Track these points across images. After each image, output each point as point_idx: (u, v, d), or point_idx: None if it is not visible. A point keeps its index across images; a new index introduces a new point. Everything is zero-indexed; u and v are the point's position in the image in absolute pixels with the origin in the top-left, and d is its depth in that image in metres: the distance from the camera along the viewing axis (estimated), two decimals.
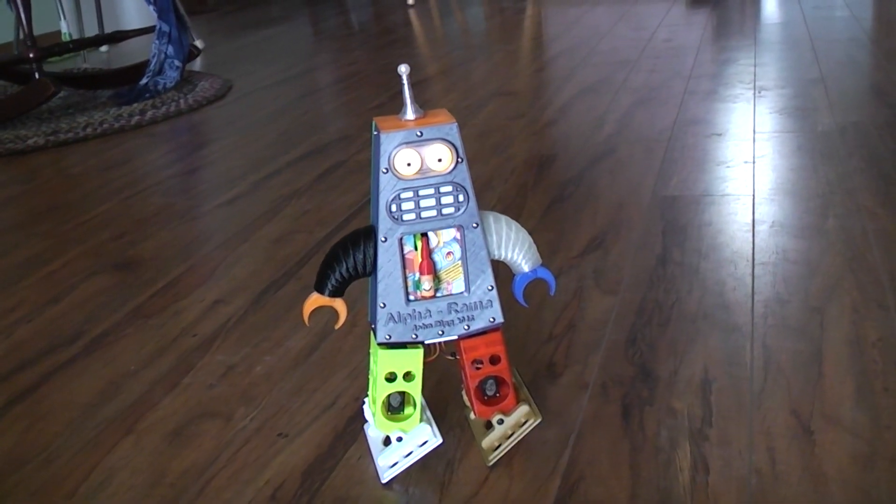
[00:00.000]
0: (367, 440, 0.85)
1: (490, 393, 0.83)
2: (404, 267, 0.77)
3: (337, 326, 0.82)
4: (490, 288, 0.79)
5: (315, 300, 0.80)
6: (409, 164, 0.75)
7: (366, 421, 0.86)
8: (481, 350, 0.81)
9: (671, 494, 0.74)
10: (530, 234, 0.83)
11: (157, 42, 2.69)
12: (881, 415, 0.83)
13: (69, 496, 0.82)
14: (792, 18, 3.03)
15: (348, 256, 0.77)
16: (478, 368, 0.81)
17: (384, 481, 0.79)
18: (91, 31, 3.62)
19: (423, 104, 2.28)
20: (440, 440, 0.80)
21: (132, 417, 0.94)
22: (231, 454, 0.86)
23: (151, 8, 2.67)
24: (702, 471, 0.77)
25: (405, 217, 0.76)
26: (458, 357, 0.82)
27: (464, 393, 0.86)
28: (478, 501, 0.76)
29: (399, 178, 0.75)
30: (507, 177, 1.60)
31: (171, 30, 2.66)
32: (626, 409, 0.87)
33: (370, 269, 0.78)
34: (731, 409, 0.85)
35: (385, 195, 0.75)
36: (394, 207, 0.76)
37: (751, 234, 1.25)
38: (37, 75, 2.54)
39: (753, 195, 1.40)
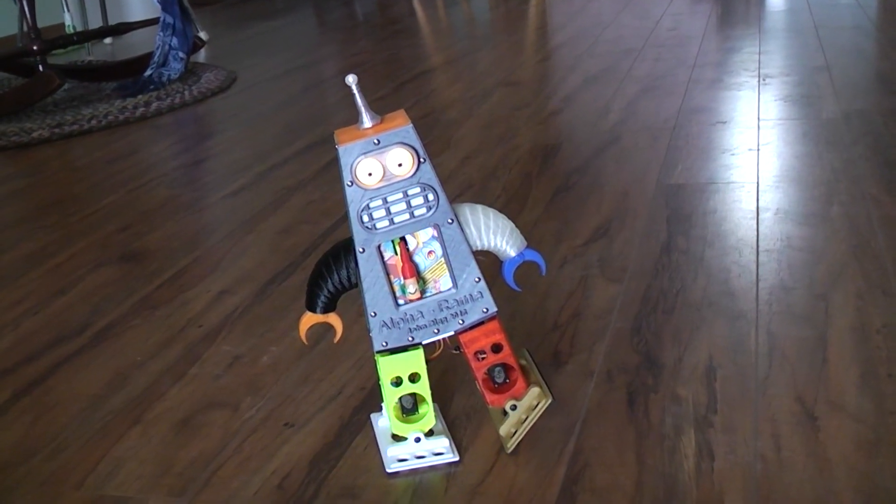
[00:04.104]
0: (373, 429, 0.85)
1: (499, 380, 0.83)
2: (388, 273, 0.78)
3: (335, 341, 0.82)
4: (477, 280, 0.79)
5: (308, 318, 0.81)
6: (370, 174, 0.75)
7: (377, 410, 0.86)
8: (482, 341, 0.81)
9: (676, 481, 0.75)
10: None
11: (161, 34, 2.69)
12: (886, 401, 0.83)
13: (77, 487, 0.82)
14: (796, 6, 3.02)
15: (332, 273, 0.78)
16: (482, 359, 0.81)
17: (389, 471, 0.80)
18: (95, 23, 3.62)
19: (427, 95, 2.29)
20: (457, 458, 0.80)
21: (139, 408, 0.94)
22: (238, 444, 0.86)
23: (155, 0, 2.66)
24: (707, 457, 0.77)
25: (378, 225, 0.76)
26: (462, 351, 0.82)
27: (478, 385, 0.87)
28: (484, 489, 0.76)
29: (365, 189, 0.75)
30: (512, 166, 1.60)
31: (175, 21, 2.66)
32: (632, 397, 0.87)
33: (355, 281, 0.78)
34: (735, 397, 0.85)
35: (354, 207, 0.76)
36: (365, 218, 0.76)
37: (755, 221, 1.25)
38: (41, 68, 2.54)
39: (758, 183, 1.40)
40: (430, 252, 0.78)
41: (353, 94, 0.76)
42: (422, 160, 0.76)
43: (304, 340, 0.82)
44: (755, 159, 1.51)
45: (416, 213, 0.77)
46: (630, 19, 3.08)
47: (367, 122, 0.76)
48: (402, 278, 0.78)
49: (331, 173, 1.67)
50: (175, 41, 2.69)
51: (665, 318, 1.02)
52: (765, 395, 0.85)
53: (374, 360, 0.82)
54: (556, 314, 1.05)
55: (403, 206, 0.76)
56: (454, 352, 0.83)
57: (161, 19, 2.68)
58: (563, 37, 2.89)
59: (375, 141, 0.75)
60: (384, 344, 0.79)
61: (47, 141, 2.16)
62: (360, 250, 0.77)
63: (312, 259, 1.28)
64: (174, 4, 2.66)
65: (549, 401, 0.82)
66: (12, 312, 1.21)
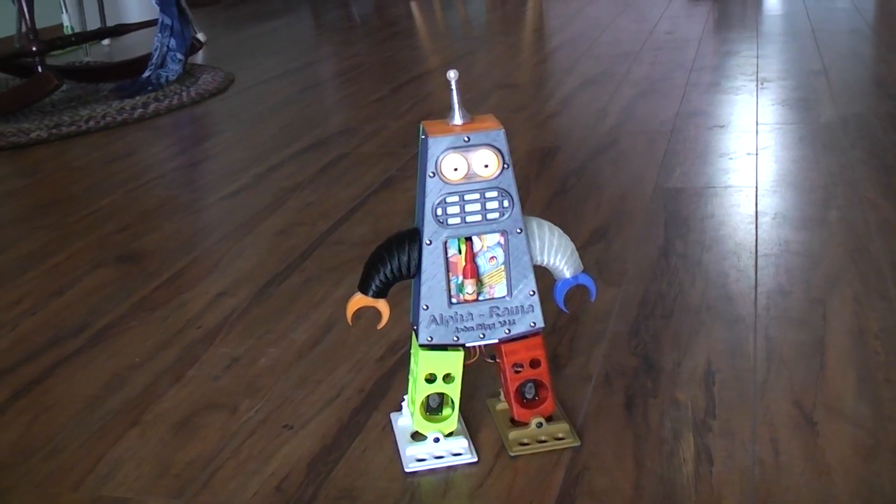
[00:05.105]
0: (393, 429, 0.85)
1: (529, 396, 0.83)
2: (448, 270, 0.78)
3: (379, 327, 0.83)
4: (532, 293, 0.79)
5: (359, 300, 0.80)
6: (455, 169, 0.76)
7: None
8: (522, 354, 0.81)
9: (675, 485, 0.75)
10: None
11: (159, 35, 2.69)
12: (883, 406, 0.83)
13: (75, 487, 0.82)
14: (794, 10, 3.02)
15: (393, 258, 0.78)
16: (518, 372, 0.82)
17: (408, 470, 0.80)
18: (93, 24, 3.62)
19: (424, 97, 2.29)
20: (476, 459, 0.80)
21: (137, 409, 0.94)
22: (236, 446, 0.86)
23: (153, 1, 2.66)
24: (705, 462, 0.77)
25: (450, 221, 0.77)
26: (497, 360, 0.82)
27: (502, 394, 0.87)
28: (483, 492, 0.76)
29: (445, 183, 0.76)
30: None
31: (173, 23, 2.66)
32: (630, 401, 0.87)
33: (414, 271, 0.79)
34: (734, 401, 0.86)
35: (431, 199, 0.76)
36: (439, 211, 0.76)
37: (753, 225, 1.26)
38: (39, 69, 2.54)
39: (756, 187, 1.40)
40: (492, 257, 0.79)
41: (451, 90, 0.77)
42: (506, 166, 0.77)
43: (350, 322, 0.83)
44: (753, 163, 1.52)
45: (489, 216, 0.77)
46: (627, 22, 3.08)
47: (458, 118, 0.77)
48: (460, 277, 0.78)
49: (329, 175, 1.67)
50: (173, 42, 2.69)
51: (663, 322, 1.02)
52: (763, 400, 0.85)
53: (410, 354, 0.82)
54: (555, 317, 1.05)
55: (478, 206, 0.77)
56: (489, 360, 0.83)
57: (159, 21, 2.68)
58: (561, 39, 2.89)
59: (465, 138, 0.75)
60: (429, 339, 0.79)
61: (45, 141, 2.16)
62: (427, 242, 0.77)
63: (311, 261, 1.28)
64: (172, 6, 2.66)
65: (576, 445, 0.81)
66: (10, 313, 1.21)
